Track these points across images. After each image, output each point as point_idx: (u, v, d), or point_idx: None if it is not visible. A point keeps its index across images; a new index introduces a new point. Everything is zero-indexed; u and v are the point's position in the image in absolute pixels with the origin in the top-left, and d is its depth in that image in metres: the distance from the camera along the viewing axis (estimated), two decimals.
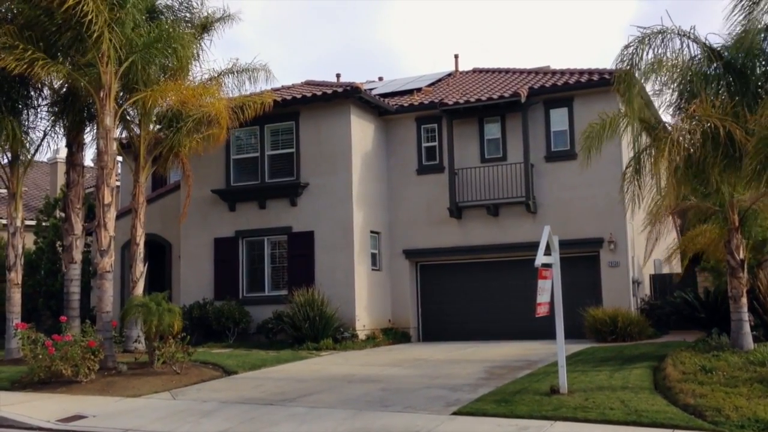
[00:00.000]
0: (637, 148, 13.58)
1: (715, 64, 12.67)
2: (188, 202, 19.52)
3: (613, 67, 13.29)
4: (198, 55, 17.45)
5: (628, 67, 12.61)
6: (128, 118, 17.89)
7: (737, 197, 13.89)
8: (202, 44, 17.77)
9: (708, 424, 8.55)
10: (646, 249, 19.65)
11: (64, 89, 17.25)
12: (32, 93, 17.46)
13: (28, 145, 17.47)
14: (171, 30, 15.72)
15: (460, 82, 24.09)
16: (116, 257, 18.31)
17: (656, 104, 15.38)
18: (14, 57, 14.03)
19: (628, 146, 18.53)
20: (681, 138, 11.52)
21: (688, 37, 12.68)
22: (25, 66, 14.15)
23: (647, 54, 12.50)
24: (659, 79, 12.88)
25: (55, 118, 17.82)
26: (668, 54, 12.67)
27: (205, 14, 17.81)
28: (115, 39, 14.26)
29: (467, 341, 19.38)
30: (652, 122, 13.78)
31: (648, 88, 13.78)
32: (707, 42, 12.83)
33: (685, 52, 12.76)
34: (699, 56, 12.79)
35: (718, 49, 12.83)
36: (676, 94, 13.03)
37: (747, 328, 13.62)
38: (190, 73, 17.31)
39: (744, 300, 13.76)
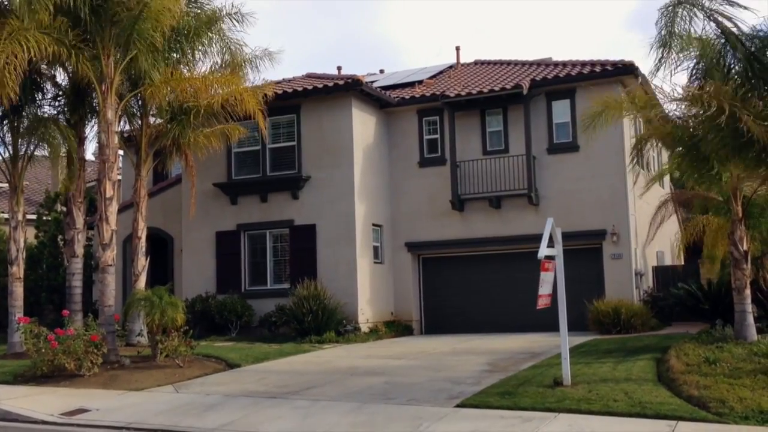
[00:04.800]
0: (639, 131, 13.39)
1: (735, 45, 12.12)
2: (194, 193, 19.37)
3: (660, 32, 12.29)
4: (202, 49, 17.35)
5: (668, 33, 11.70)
6: (133, 111, 17.84)
7: (743, 185, 13.78)
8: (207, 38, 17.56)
9: (712, 415, 8.52)
10: (648, 233, 19.58)
11: (66, 82, 17.20)
12: (37, 86, 17.37)
13: (31, 138, 17.41)
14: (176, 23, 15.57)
15: (461, 74, 24.01)
16: (118, 251, 18.30)
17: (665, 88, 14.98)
18: (53, 39, 13.60)
19: (630, 138, 18.53)
20: (683, 121, 11.31)
21: (709, 18, 12.09)
22: (61, 53, 13.80)
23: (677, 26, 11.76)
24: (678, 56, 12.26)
25: (57, 112, 17.79)
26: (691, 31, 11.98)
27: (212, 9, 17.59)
28: (117, 30, 14.15)
29: (470, 334, 19.37)
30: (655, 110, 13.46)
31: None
32: (729, 22, 12.25)
33: (706, 30, 12.14)
34: (717, 36, 12.19)
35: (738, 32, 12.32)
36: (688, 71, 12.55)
37: (750, 319, 13.59)
38: (197, 66, 17.27)
39: (748, 291, 13.73)
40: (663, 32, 11.49)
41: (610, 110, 13.34)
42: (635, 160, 14.85)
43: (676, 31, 11.44)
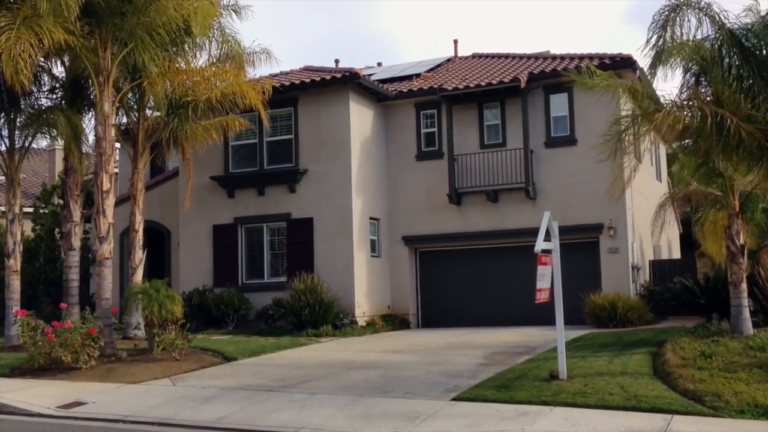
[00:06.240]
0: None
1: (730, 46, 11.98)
2: (190, 186, 19.27)
3: (650, 42, 11.69)
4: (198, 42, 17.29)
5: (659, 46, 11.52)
6: (130, 104, 17.80)
7: (738, 179, 13.77)
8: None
9: (707, 409, 8.57)
10: (653, 235, 19.58)
11: (63, 75, 17.15)
12: (35, 78, 17.30)
13: (30, 129, 17.35)
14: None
15: (459, 67, 23.97)
16: (115, 244, 18.21)
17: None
18: (64, 28, 13.38)
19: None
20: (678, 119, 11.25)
21: (706, 14, 11.94)
22: (70, 42, 13.63)
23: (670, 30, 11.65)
24: (674, 59, 12.12)
25: (55, 104, 17.73)
26: (683, 32, 11.84)
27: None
28: (118, 21, 14.09)
29: (466, 327, 19.39)
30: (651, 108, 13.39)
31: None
32: (725, 21, 12.12)
33: (702, 31, 11.99)
34: (713, 37, 12.06)
35: (736, 29, 12.21)
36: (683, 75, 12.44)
37: (747, 313, 13.62)
38: (194, 59, 17.23)
39: (744, 286, 13.76)
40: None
41: (608, 82, 13.14)
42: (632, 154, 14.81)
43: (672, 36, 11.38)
